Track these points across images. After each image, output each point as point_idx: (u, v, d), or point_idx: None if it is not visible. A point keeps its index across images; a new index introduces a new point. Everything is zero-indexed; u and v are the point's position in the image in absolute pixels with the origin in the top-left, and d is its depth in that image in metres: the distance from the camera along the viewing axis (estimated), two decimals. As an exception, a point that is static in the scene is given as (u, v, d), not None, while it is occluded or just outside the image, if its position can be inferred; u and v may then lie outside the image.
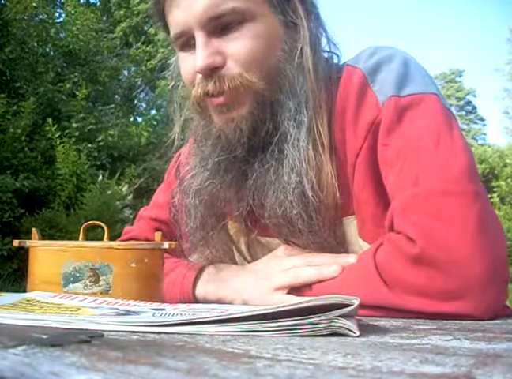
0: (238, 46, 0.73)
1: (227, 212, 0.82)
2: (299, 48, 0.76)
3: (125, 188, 5.88)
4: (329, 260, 0.72)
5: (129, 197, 5.80)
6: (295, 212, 0.72)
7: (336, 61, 0.82)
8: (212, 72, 0.72)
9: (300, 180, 0.72)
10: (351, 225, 0.77)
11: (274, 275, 0.74)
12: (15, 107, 5.48)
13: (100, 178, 5.70)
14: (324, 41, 0.81)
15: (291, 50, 0.76)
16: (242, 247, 0.86)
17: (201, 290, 0.82)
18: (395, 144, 0.70)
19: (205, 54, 0.72)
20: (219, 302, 0.77)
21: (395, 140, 0.70)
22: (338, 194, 0.74)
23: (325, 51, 0.81)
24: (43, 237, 0.71)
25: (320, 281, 0.70)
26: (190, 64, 0.76)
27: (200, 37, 0.73)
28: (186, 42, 0.76)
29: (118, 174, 6.05)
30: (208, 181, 0.79)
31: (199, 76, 0.74)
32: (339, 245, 0.76)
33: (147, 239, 0.91)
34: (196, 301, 0.82)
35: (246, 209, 0.77)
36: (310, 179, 0.73)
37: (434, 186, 0.65)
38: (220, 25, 0.72)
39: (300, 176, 0.73)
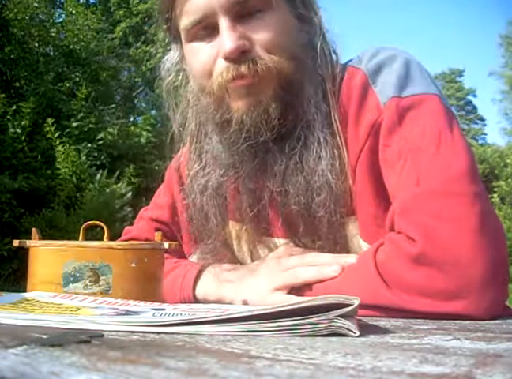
0: (263, 33, 0.73)
1: (230, 211, 0.82)
2: (315, 40, 0.78)
3: (123, 186, 5.88)
4: (329, 260, 0.72)
5: (128, 195, 5.80)
6: (320, 198, 0.73)
7: (335, 58, 0.82)
8: (240, 56, 0.72)
9: (325, 167, 0.73)
10: (352, 225, 0.77)
11: (274, 275, 0.74)
12: (15, 107, 5.48)
13: (98, 177, 5.69)
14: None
15: (307, 41, 0.78)
16: (244, 247, 0.86)
17: (201, 290, 0.82)
18: (396, 144, 0.70)
19: (234, 36, 0.71)
20: (219, 302, 0.77)
21: (396, 140, 0.70)
22: (351, 181, 0.75)
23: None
24: (43, 237, 0.71)
25: (320, 281, 0.70)
26: (207, 52, 0.75)
27: (225, 21, 0.72)
28: (204, 29, 0.75)
29: (117, 173, 6.05)
30: (226, 175, 0.79)
31: (222, 62, 0.73)
32: (341, 245, 0.76)
33: (147, 239, 0.91)
34: (196, 301, 0.82)
35: (269, 198, 0.77)
36: (333, 166, 0.74)
37: (435, 187, 0.65)
38: (243, 11, 0.73)
39: (325, 163, 0.73)
